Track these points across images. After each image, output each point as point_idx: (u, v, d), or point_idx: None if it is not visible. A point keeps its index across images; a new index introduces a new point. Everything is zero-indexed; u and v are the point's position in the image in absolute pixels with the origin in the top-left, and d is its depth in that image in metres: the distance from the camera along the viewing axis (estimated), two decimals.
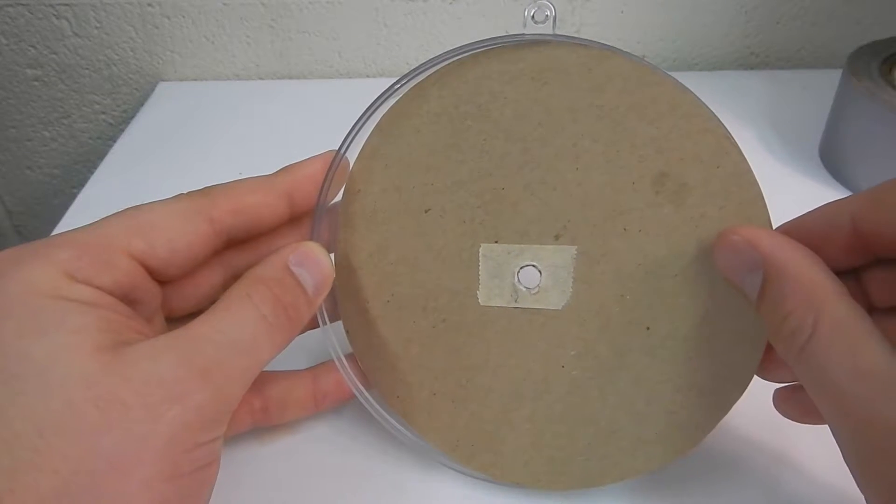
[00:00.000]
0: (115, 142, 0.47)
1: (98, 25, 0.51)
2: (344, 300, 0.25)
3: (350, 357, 0.25)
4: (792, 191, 0.39)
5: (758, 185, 0.22)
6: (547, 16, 0.22)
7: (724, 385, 0.22)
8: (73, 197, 0.41)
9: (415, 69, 0.23)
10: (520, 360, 0.24)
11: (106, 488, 0.17)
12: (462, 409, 0.24)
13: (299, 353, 0.25)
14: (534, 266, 0.23)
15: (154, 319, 0.22)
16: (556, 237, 0.23)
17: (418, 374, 0.24)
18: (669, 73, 0.22)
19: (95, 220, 0.21)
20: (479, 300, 0.24)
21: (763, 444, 0.26)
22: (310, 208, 0.24)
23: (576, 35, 0.22)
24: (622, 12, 0.50)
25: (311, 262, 0.22)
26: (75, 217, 0.39)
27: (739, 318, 0.22)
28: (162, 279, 0.22)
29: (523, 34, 0.22)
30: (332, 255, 0.24)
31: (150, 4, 0.50)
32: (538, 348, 0.23)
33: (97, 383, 0.17)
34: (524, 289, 0.23)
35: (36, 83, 0.53)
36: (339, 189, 0.24)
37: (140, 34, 0.51)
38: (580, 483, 0.24)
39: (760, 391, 0.23)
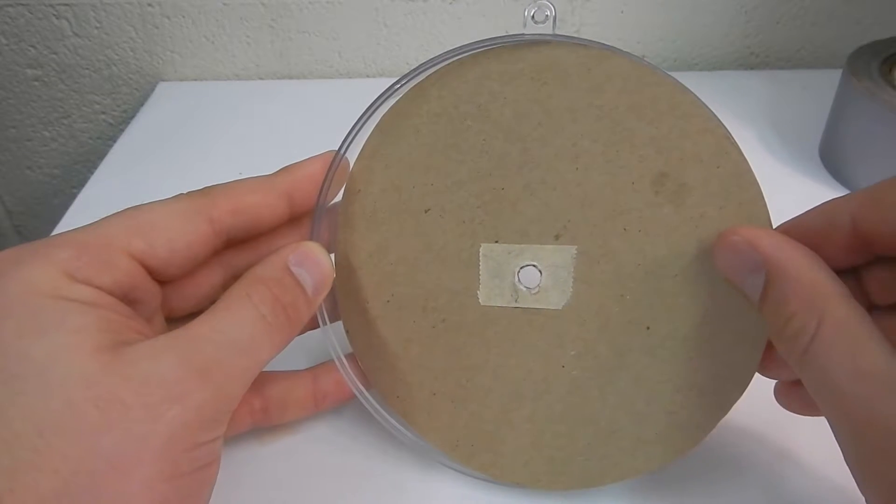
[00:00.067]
0: (115, 142, 0.47)
1: (98, 25, 0.51)
2: (344, 300, 0.25)
3: (350, 357, 0.25)
4: (792, 191, 0.39)
5: (758, 185, 0.22)
6: (547, 16, 0.22)
7: (724, 385, 0.22)
8: (73, 197, 0.41)
9: (415, 69, 0.23)
10: (520, 360, 0.24)
11: (106, 488, 0.17)
12: (462, 409, 0.24)
13: (299, 353, 0.25)
14: (534, 266, 0.23)
15: (154, 319, 0.22)
16: (556, 237, 0.23)
17: (418, 374, 0.24)
18: (669, 73, 0.22)
19: (95, 220, 0.21)
20: (480, 300, 0.24)
21: (763, 444, 0.26)
22: (310, 208, 0.24)
23: (576, 35, 0.22)
24: (622, 12, 0.50)
25: (311, 262, 0.22)
26: (75, 217, 0.39)
27: (739, 318, 0.22)
28: (162, 279, 0.22)
29: (523, 34, 0.22)
30: (332, 255, 0.24)
31: (150, 4, 0.50)
32: (538, 348, 0.23)
33: (97, 383, 0.17)
34: (524, 289, 0.23)
35: (36, 83, 0.53)
36: (339, 189, 0.24)
37: (140, 34, 0.51)
38: (580, 483, 0.24)
39: (761, 391, 0.23)
